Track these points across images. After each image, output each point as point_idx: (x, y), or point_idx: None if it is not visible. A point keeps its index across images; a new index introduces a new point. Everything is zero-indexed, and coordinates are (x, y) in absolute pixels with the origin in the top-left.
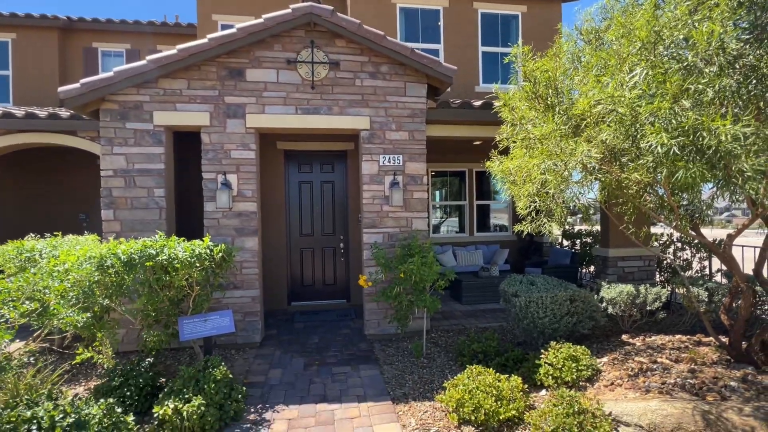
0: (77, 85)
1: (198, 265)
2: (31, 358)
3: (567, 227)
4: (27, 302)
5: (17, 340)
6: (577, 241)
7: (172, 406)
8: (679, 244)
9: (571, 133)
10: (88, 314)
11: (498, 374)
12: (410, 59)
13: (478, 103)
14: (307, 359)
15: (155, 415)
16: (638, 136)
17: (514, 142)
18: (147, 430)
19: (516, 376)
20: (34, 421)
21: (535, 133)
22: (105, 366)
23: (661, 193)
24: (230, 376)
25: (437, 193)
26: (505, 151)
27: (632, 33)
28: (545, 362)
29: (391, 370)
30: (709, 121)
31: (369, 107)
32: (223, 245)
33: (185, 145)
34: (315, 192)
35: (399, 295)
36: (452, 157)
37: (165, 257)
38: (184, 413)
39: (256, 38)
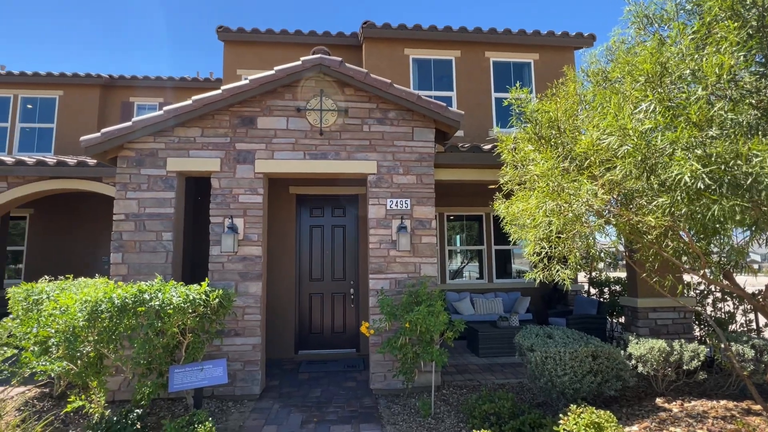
0: (98, 134)
1: (191, 311)
2: (17, 410)
3: (594, 274)
4: (5, 348)
5: (20, 385)
6: (605, 289)
7: None
8: (718, 294)
9: (574, 171)
10: (64, 363)
11: None
12: (417, 105)
13: (488, 147)
14: (305, 415)
15: None
16: (654, 170)
17: (519, 184)
18: None
19: None
20: None
21: (535, 171)
22: (95, 415)
23: (685, 238)
24: None
25: (457, 237)
26: (511, 195)
27: (636, 69)
28: (564, 429)
29: (394, 431)
30: (746, 147)
31: (376, 152)
32: (220, 290)
33: (202, 191)
34: (326, 236)
35: (404, 346)
36: (469, 201)
37: (158, 302)
38: None
39: (268, 88)
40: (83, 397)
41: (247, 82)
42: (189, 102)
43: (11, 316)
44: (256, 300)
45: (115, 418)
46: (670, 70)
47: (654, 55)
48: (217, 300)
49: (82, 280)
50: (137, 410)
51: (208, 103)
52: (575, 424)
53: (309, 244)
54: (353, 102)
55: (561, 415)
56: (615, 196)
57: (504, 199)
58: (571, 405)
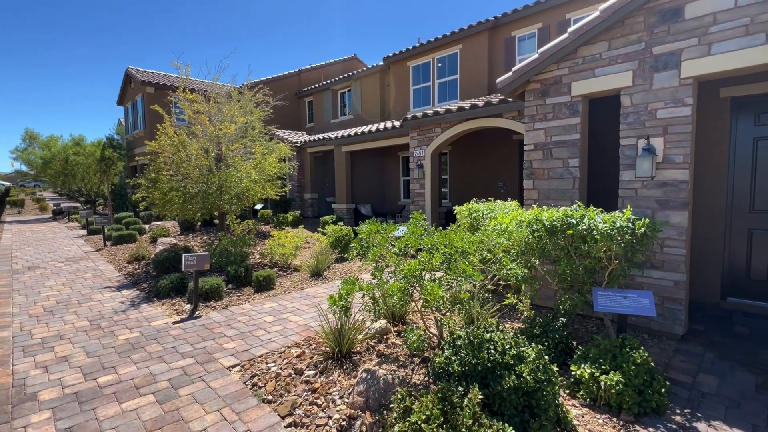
0: (510, 74)
1: (618, 238)
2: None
3: None
4: (486, 252)
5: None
6: None
7: (588, 371)
8: None
9: None
10: (525, 270)
11: None
12: None
13: None
14: (760, 379)
15: (572, 372)
16: None
17: None
18: (564, 383)
19: None
20: (491, 342)
21: None
22: (524, 313)
23: None
24: (651, 364)
25: None
26: None
27: None
28: None
29: None
30: None
31: None
32: (646, 219)
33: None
34: None
35: None
36: None
37: (584, 227)
38: (601, 383)
39: None
40: (516, 297)
41: None
42: (596, 14)
43: (459, 224)
44: (680, 232)
45: (545, 321)
46: None
47: None
48: (642, 229)
49: (500, 203)
50: (561, 319)
51: (619, 8)
52: None
53: (751, 164)
54: None
55: None
56: None
57: None
58: None
